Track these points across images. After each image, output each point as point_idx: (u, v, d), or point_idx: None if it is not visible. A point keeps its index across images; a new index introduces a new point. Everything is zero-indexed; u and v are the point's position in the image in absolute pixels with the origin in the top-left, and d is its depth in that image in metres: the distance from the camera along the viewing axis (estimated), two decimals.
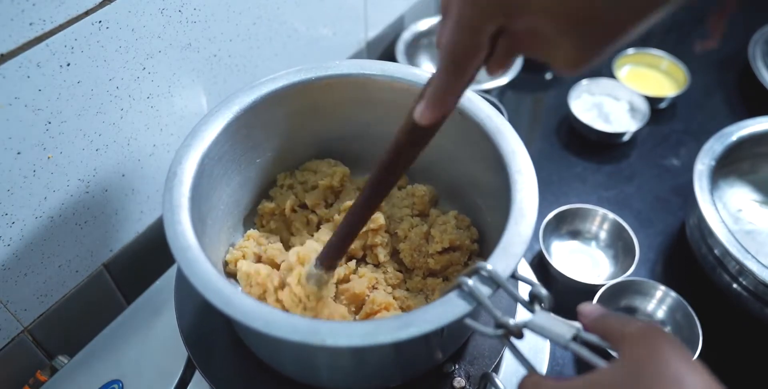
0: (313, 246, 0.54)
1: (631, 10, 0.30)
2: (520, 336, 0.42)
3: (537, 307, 0.43)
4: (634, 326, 0.37)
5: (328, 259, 0.52)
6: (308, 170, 0.67)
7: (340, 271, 0.59)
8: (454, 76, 0.38)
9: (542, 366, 0.64)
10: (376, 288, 0.60)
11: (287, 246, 0.64)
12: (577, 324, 0.41)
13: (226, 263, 0.60)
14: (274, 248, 0.61)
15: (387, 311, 0.56)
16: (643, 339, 0.36)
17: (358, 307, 0.58)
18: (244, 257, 0.59)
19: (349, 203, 0.62)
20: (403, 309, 0.58)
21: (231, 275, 0.59)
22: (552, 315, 0.42)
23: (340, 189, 0.66)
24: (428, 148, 0.65)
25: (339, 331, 0.42)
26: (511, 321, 0.42)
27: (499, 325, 0.42)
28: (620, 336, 0.37)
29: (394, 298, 0.59)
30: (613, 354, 0.38)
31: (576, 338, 0.39)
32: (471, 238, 0.61)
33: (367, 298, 0.57)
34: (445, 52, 0.37)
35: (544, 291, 0.42)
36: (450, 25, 0.35)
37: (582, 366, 0.74)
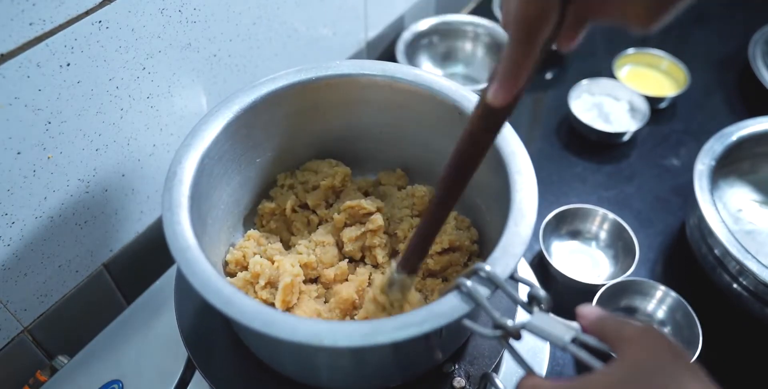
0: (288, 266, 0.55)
1: None
2: (518, 337, 0.42)
3: (535, 308, 0.43)
4: (632, 328, 0.37)
5: (410, 263, 0.51)
6: (309, 170, 0.67)
7: (330, 272, 0.59)
8: (525, 48, 0.36)
9: (542, 367, 0.64)
10: None
11: (287, 246, 0.64)
12: (575, 326, 0.41)
13: (226, 263, 0.60)
14: (274, 248, 0.61)
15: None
16: (641, 341, 0.36)
17: (347, 310, 0.58)
18: (244, 257, 0.59)
19: (349, 203, 0.62)
20: (401, 310, 0.58)
21: (231, 275, 0.59)
22: (550, 316, 0.42)
23: (341, 189, 0.66)
24: (429, 148, 0.65)
25: (338, 332, 0.42)
26: (510, 322, 0.42)
27: (498, 326, 0.42)
28: (618, 337, 0.37)
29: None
30: (613, 355, 0.38)
31: (574, 339, 0.39)
32: (471, 239, 0.61)
33: (357, 301, 0.57)
34: (515, 21, 0.35)
35: (542, 292, 0.42)
36: None
37: (582, 367, 0.74)
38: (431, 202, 0.48)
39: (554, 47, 0.39)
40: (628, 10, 0.33)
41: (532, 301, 0.43)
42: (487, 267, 0.44)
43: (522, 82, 0.38)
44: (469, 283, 0.43)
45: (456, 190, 0.46)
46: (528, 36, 0.35)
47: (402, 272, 0.51)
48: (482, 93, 0.40)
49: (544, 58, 0.38)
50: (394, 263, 0.52)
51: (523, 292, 0.64)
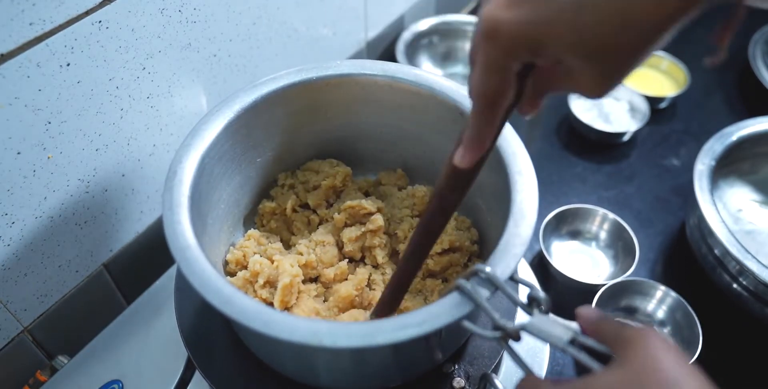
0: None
1: (641, 32, 0.32)
2: (517, 338, 0.42)
3: (535, 310, 0.42)
4: (632, 329, 0.37)
5: (384, 312, 0.54)
6: (310, 170, 0.67)
7: (330, 272, 0.59)
8: (487, 118, 0.39)
9: (542, 368, 0.64)
10: (374, 289, 0.60)
11: (287, 246, 0.64)
12: (575, 327, 0.41)
13: (226, 263, 0.60)
14: (274, 248, 0.61)
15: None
16: (640, 343, 0.36)
17: (346, 309, 0.58)
18: (244, 257, 0.59)
19: (350, 202, 0.62)
20: (400, 311, 0.58)
21: (231, 274, 0.59)
22: (550, 317, 0.42)
23: (342, 189, 0.66)
24: (429, 148, 0.65)
25: (337, 332, 0.42)
26: (509, 324, 0.42)
27: (497, 327, 0.42)
28: (618, 339, 0.37)
29: None
30: (612, 357, 0.38)
31: (573, 341, 0.39)
32: (471, 239, 0.61)
33: (356, 299, 0.57)
34: (476, 96, 0.38)
35: (542, 294, 0.42)
36: (477, 69, 0.37)
37: (581, 368, 0.74)
38: (403, 256, 0.51)
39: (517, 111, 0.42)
40: (579, 84, 0.36)
41: (532, 302, 0.43)
42: (487, 268, 0.44)
43: (486, 146, 0.41)
44: (468, 284, 0.43)
45: (427, 244, 0.50)
46: (488, 108, 0.39)
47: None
48: (449, 156, 0.43)
49: (507, 121, 0.42)
50: (367, 314, 0.55)
51: (523, 293, 0.64)
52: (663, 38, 0.33)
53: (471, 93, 0.39)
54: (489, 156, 0.43)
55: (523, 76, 0.38)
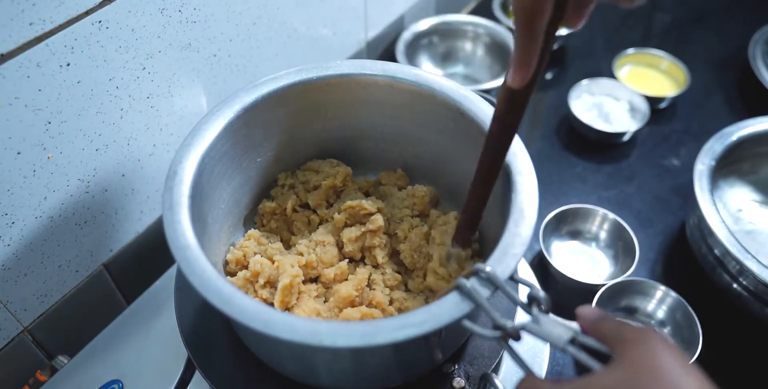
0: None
1: None
2: (517, 338, 0.42)
3: (535, 309, 0.42)
4: (632, 329, 0.37)
5: (462, 237, 0.57)
6: (310, 169, 0.67)
7: (330, 272, 0.59)
8: (530, 34, 0.40)
9: (542, 368, 0.64)
10: (374, 289, 0.60)
11: (287, 246, 0.64)
12: (574, 327, 0.41)
13: (226, 263, 0.60)
14: (274, 248, 0.61)
15: (377, 309, 0.57)
16: (640, 343, 0.36)
17: (347, 308, 0.58)
18: (245, 256, 0.59)
19: (350, 202, 0.62)
20: (401, 310, 0.58)
21: (231, 274, 0.59)
22: (550, 317, 0.42)
23: (342, 189, 0.66)
24: (429, 148, 0.65)
25: (337, 331, 0.42)
26: (509, 323, 0.42)
27: (497, 327, 0.42)
28: (617, 338, 0.37)
29: (392, 299, 0.59)
30: (612, 357, 0.38)
31: (573, 340, 0.39)
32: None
33: (357, 299, 0.58)
34: (515, 12, 0.39)
35: (542, 294, 0.42)
36: None
37: (581, 368, 0.74)
38: (473, 183, 0.52)
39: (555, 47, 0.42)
40: None
41: (532, 302, 0.43)
42: (487, 268, 0.44)
43: (533, 65, 0.41)
44: (468, 283, 0.43)
45: (494, 168, 0.50)
46: (528, 24, 0.39)
47: (457, 247, 0.57)
48: (504, 79, 0.44)
49: (554, 39, 0.42)
50: (449, 241, 0.58)
51: (523, 293, 0.64)
52: None
53: (513, 10, 0.39)
54: (540, 76, 0.43)
55: None
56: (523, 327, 0.41)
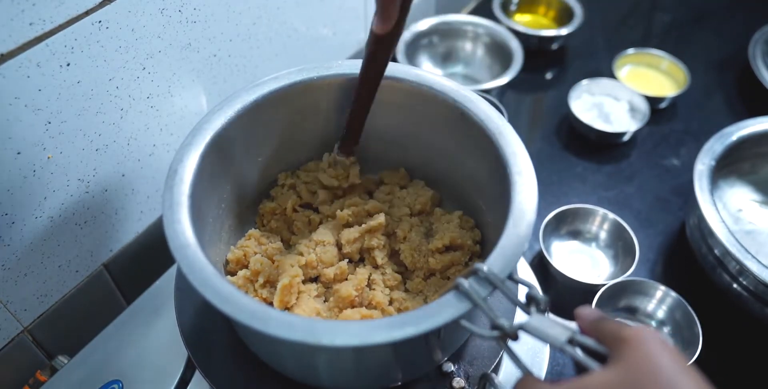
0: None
1: None
2: (515, 337, 0.42)
3: (533, 309, 0.42)
4: (630, 329, 0.37)
5: (346, 145, 0.63)
6: (312, 170, 0.67)
7: (329, 272, 0.59)
8: None
9: (542, 367, 0.64)
10: (374, 289, 0.60)
11: (288, 245, 0.64)
12: (573, 327, 0.40)
13: (227, 262, 0.60)
14: (274, 247, 0.61)
15: (376, 309, 0.57)
16: (638, 343, 0.36)
17: (346, 308, 0.58)
18: (245, 256, 0.59)
19: (353, 201, 0.63)
20: (400, 311, 0.58)
21: (231, 274, 0.59)
22: (549, 317, 0.42)
23: (350, 188, 0.67)
24: (430, 148, 0.65)
25: (335, 331, 0.42)
26: (507, 323, 0.42)
27: (495, 326, 0.42)
28: (616, 338, 0.37)
29: (391, 299, 0.59)
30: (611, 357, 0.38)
31: (571, 340, 0.39)
32: (473, 239, 0.61)
33: (356, 299, 0.58)
34: None
35: (540, 293, 0.42)
36: None
37: (581, 368, 0.74)
38: (353, 101, 0.59)
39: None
40: None
41: (530, 302, 0.43)
42: (486, 267, 0.44)
43: (395, 13, 0.47)
44: (467, 283, 0.43)
45: (367, 96, 0.58)
46: None
47: (341, 155, 0.64)
48: (371, 26, 0.51)
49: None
50: (336, 147, 0.64)
51: (522, 293, 0.64)
52: None
53: None
54: (405, 21, 0.50)
55: None
56: (522, 327, 0.41)
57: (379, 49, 0.53)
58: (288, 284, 0.55)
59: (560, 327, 0.40)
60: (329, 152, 0.66)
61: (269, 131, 0.61)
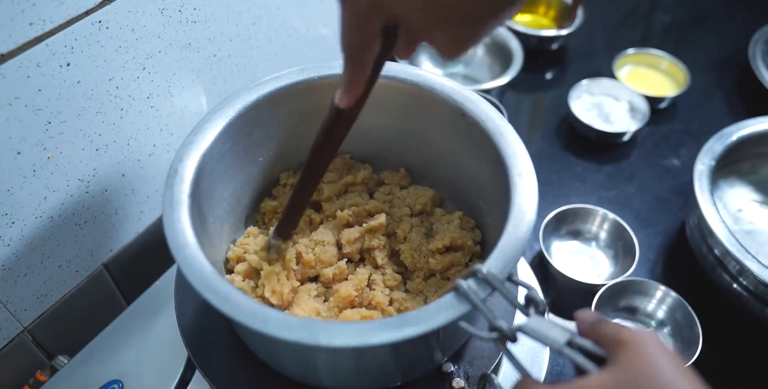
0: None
1: (485, 8, 0.37)
2: (514, 339, 0.42)
3: (532, 311, 0.42)
4: (629, 332, 0.37)
5: (282, 230, 0.58)
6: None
7: (329, 272, 0.59)
8: (355, 66, 0.43)
9: (541, 368, 0.64)
10: (374, 289, 0.60)
11: None
12: (571, 328, 0.40)
13: (227, 261, 0.60)
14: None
15: (377, 310, 0.57)
16: (636, 346, 0.36)
17: (346, 308, 0.58)
18: (245, 253, 0.59)
19: (353, 201, 0.63)
20: (400, 311, 0.58)
21: (231, 272, 0.59)
22: (548, 318, 0.42)
23: (354, 186, 0.67)
24: (430, 148, 0.65)
25: (335, 331, 0.42)
26: (505, 325, 0.42)
27: (494, 328, 0.42)
28: (614, 341, 0.38)
29: (391, 300, 0.59)
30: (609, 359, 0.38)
31: (570, 343, 0.39)
32: (474, 240, 0.61)
33: (357, 299, 0.58)
34: (342, 48, 0.42)
35: (539, 295, 0.42)
36: (342, 25, 0.40)
37: (581, 370, 0.74)
38: (297, 182, 0.55)
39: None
40: (435, 42, 0.39)
41: (529, 304, 0.43)
42: (485, 269, 0.44)
43: (360, 90, 0.45)
44: (466, 284, 0.43)
45: (315, 175, 0.54)
46: (355, 58, 0.42)
47: (278, 239, 0.59)
48: (331, 99, 0.47)
49: (381, 68, 0.45)
50: (272, 230, 0.59)
51: (522, 294, 0.64)
52: (508, 13, 0.37)
53: (340, 42, 0.42)
54: (367, 97, 0.47)
55: (391, 31, 0.41)
56: (520, 329, 0.41)
57: (339, 124, 0.49)
58: (270, 270, 0.55)
59: (559, 329, 0.40)
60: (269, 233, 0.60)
61: (270, 130, 0.61)
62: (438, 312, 0.43)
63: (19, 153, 0.55)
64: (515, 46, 1.05)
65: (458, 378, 0.56)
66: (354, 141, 0.67)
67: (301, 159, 0.67)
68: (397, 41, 0.42)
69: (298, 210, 0.57)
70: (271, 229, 0.59)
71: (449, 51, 0.39)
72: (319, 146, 0.51)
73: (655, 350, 0.36)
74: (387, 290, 0.59)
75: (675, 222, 0.90)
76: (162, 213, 0.48)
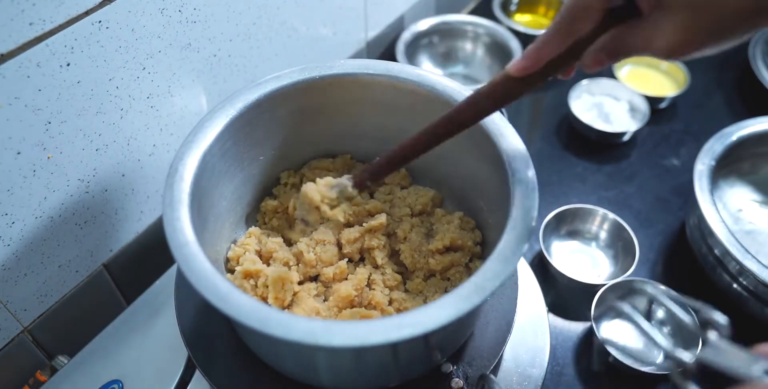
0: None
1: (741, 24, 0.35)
2: (693, 375, 0.37)
3: (712, 335, 0.37)
4: None
5: (362, 177, 0.53)
6: (318, 168, 0.67)
7: (329, 271, 0.59)
8: (558, 32, 0.39)
9: (541, 369, 0.64)
10: (374, 289, 0.60)
11: (288, 244, 0.64)
12: (761, 356, 0.36)
13: (227, 260, 0.60)
14: (274, 242, 0.61)
15: (376, 310, 0.57)
16: None
17: (346, 308, 0.58)
18: (246, 253, 0.59)
19: (354, 201, 0.62)
20: (400, 311, 0.58)
21: (232, 272, 0.59)
22: (730, 344, 0.37)
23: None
24: (432, 149, 0.65)
25: (334, 331, 0.42)
26: (687, 355, 0.36)
27: (669, 358, 0.36)
28: None
29: (391, 300, 0.59)
30: None
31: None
32: (474, 240, 0.61)
33: (356, 299, 0.58)
34: (562, 9, 0.39)
35: (721, 317, 0.37)
36: None
37: (582, 368, 0.74)
38: (424, 131, 0.50)
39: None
40: (659, 35, 0.37)
41: (706, 326, 0.38)
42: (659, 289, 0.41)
43: (540, 61, 0.41)
44: (626, 307, 0.41)
45: (444, 134, 0.50)
46: (564, 24, 0.39)
47: (351, 180, 0.53)
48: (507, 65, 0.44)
49: (571, 60, 0.41)
50: (350, 177, 0.53)
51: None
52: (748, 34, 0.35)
53: (563, 7, 0.39)
54: (540, 83, 0.43)
55: (609, 20, 0.38)
56: (702, 359, 0.36)
57: (497, 93, 0.46)
58: (278, 277, 0.55)
59: (745, 355, 0.36)
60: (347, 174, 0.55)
61: (271, 130, 0.61)
62: (438, 312, 0.43)
63: (19, 153, 0.55)
64: (515, 46, 1.05)
65: (457, 379, 0.56)
66: (354, 141, 0.68)
67: (303, 159, 0.68)
68: (607, 31, 0.39)
69: (391, 165, 0.52)
70: (350, 175, 0.53)
71: (673, 43, 0.37)
72: (461, 108, 0.48)
73: None
74: (387, 290, 0.59)
75: (675, 222, 0.90)
76: (162, 212, 0.48)
